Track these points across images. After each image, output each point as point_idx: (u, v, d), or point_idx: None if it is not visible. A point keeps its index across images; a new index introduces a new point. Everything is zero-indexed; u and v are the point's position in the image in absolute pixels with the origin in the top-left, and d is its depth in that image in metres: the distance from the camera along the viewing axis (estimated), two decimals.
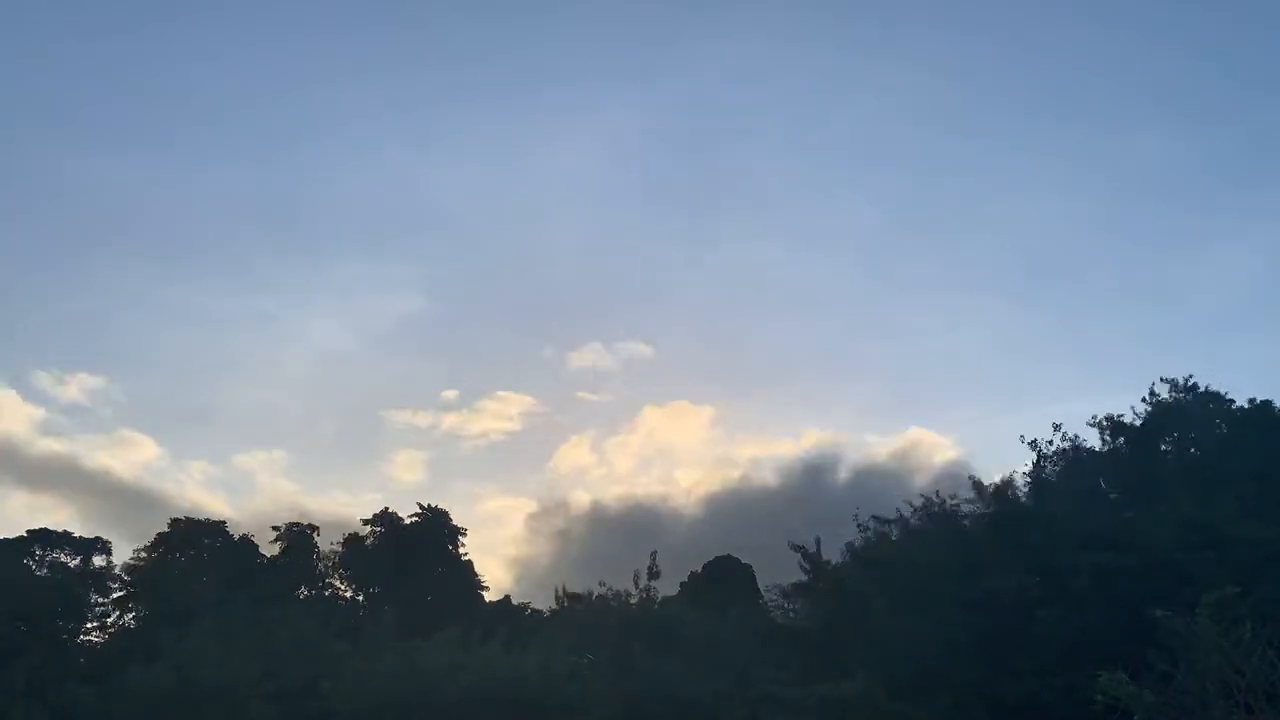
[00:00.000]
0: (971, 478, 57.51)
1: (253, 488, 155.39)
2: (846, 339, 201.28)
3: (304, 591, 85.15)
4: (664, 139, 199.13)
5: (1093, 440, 66.99)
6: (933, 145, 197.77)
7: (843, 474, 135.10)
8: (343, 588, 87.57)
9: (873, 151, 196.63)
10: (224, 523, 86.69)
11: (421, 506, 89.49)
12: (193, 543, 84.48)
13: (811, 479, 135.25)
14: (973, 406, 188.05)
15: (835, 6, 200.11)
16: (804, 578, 63.28)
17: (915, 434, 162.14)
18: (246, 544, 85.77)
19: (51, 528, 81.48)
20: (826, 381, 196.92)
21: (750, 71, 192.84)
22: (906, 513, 58.04)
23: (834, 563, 62.08)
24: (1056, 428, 65.31)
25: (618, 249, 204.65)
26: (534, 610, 77.17)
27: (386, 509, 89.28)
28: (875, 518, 59.40)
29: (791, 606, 65.49)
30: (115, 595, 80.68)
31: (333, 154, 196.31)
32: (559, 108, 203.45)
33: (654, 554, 58.24)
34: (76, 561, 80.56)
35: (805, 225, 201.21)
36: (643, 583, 57.11)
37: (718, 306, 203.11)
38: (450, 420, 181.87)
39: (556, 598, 65.42)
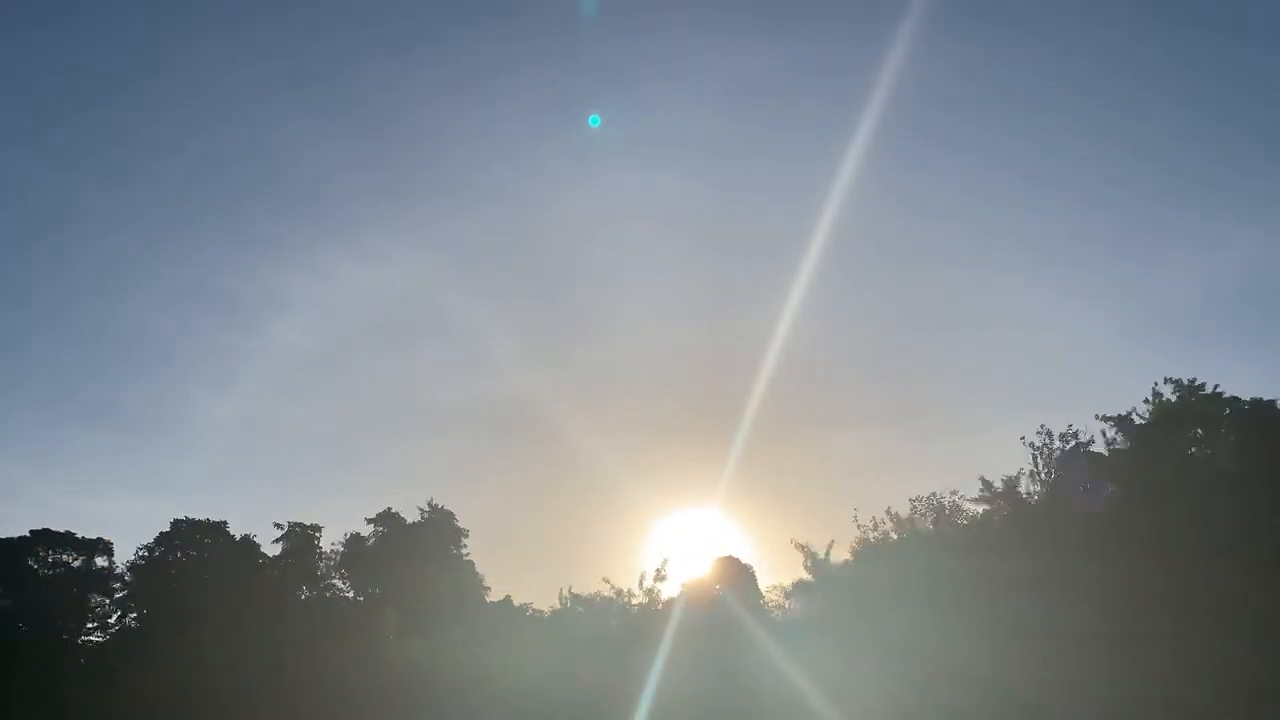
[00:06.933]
0: (980, 477, 57.22)
1: None
2: None
3: (305, 591, 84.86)
4: None
5: (1097, 440, 66.22)
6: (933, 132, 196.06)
7: None
8: (343, 588, 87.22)
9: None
10: (225, 522, 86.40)
11: (427, 505, 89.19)
12: (193, 543, 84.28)
13: None
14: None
15: None
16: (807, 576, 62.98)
17: None
18: (248, 543, 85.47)
19: (54, 528, 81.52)
20: None
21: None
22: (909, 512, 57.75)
23: (837, 561, 61.75)
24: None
25: None
26: (535, 611, 76.88)
27: (389, 508, 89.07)
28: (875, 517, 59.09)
29: (794, 605, 65.14)
30: (116, 595, 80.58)
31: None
32: None
33: (664, 560, 58.85)
34: (78, 562, 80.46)
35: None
36: (647, 584, 57.27)
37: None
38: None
39: (560, 598, 65.22)
